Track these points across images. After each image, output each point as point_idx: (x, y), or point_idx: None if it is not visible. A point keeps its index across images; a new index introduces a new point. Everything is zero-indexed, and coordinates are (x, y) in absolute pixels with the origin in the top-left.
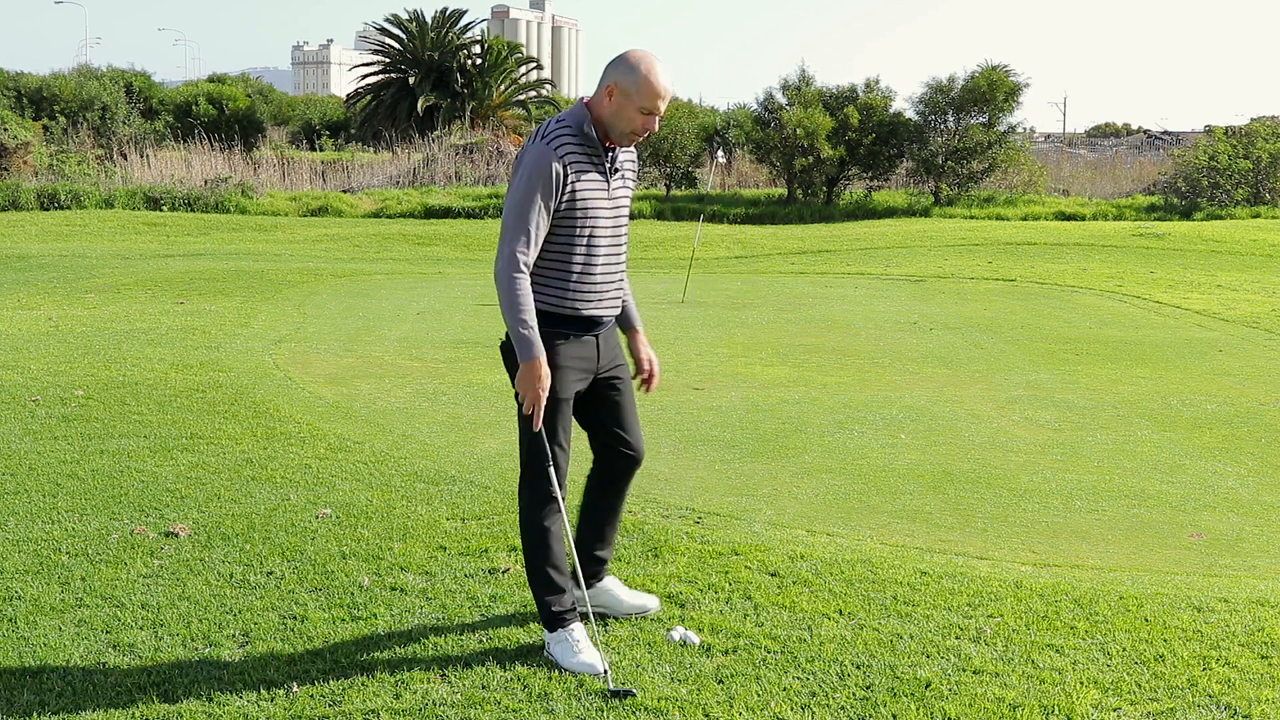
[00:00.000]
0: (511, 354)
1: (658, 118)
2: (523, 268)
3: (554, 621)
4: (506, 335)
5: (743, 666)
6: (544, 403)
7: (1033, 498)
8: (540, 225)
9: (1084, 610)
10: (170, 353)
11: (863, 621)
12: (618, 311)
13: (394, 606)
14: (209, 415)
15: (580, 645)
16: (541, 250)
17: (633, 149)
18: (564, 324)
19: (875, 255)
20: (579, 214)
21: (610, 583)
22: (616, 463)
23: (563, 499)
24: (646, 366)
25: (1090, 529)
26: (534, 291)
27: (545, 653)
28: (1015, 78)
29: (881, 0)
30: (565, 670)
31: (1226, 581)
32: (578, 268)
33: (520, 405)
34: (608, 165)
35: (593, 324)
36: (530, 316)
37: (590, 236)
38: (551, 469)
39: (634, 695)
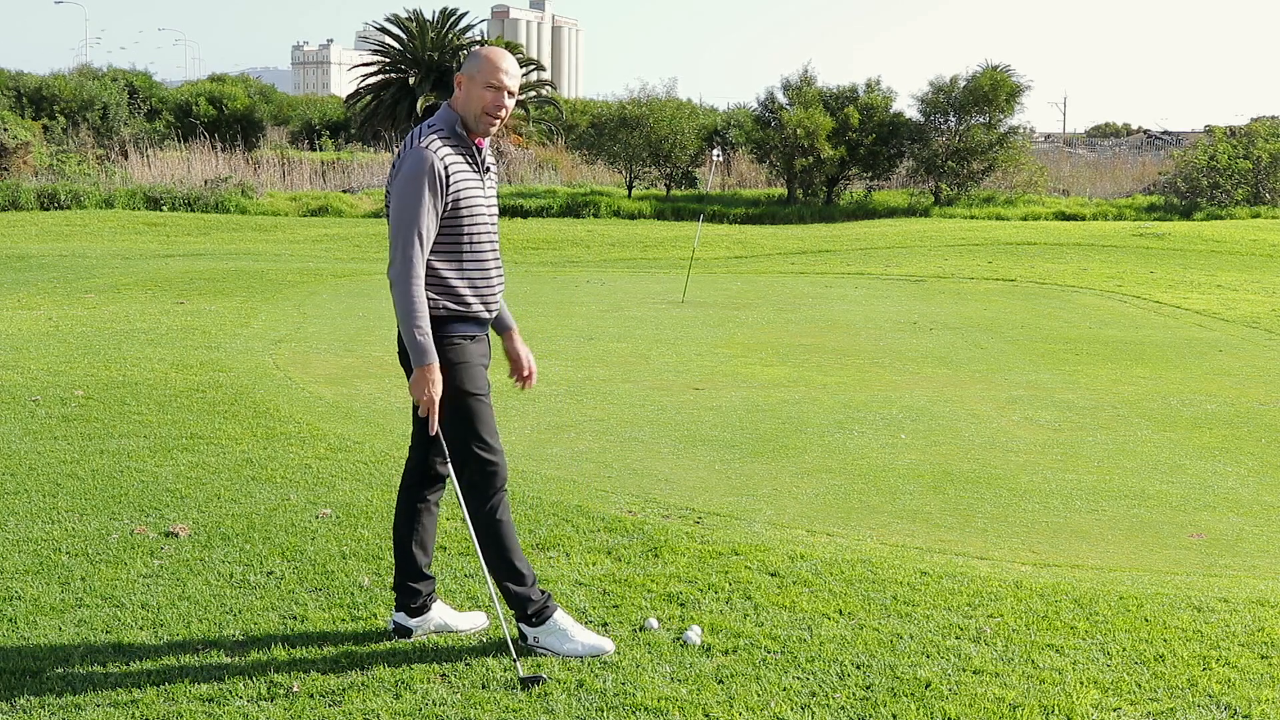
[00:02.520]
0: (409, 359)
1: (506, 94)
2: (419, 273)
3: (539, 614)
4: (402, 339)
5: (743, 666)
6: (439, 406)
7: (1033, 498)
8: (429, 228)
9: (1084, 610)
10: (170, 353)
11: (863, 621)
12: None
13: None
14: (209, 415)
15: (573, 630)
16: (438, 254)
17: (491, 152)
18: (468, 325)
19: (875, 255)
20: (464, 213)
21: (440, 608)
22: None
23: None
24: (525, 365)
25: (1090, 529)
26: (437, 295)
27: (533, 648)
28: (1017, 79)
29: (881, 0)
30: (567, 657)
31: (1226, 581)
32: (472, 269)
33: (420, 410)
34: (479, 163)
35: (486, 323)
36: (426, 322)
37: (477, 235)
38: (493, 467)
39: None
